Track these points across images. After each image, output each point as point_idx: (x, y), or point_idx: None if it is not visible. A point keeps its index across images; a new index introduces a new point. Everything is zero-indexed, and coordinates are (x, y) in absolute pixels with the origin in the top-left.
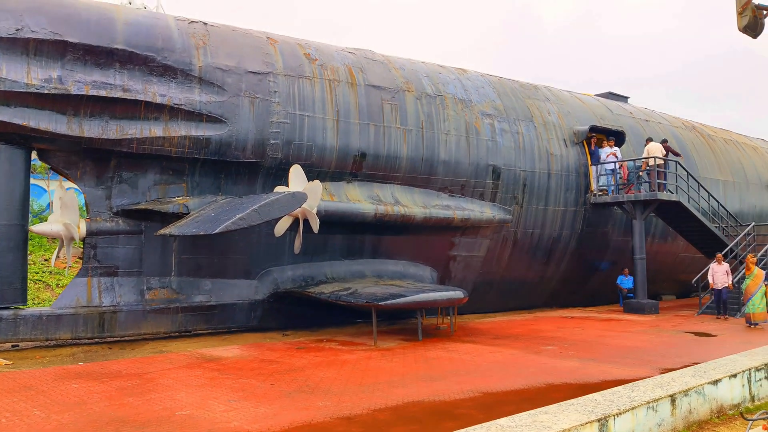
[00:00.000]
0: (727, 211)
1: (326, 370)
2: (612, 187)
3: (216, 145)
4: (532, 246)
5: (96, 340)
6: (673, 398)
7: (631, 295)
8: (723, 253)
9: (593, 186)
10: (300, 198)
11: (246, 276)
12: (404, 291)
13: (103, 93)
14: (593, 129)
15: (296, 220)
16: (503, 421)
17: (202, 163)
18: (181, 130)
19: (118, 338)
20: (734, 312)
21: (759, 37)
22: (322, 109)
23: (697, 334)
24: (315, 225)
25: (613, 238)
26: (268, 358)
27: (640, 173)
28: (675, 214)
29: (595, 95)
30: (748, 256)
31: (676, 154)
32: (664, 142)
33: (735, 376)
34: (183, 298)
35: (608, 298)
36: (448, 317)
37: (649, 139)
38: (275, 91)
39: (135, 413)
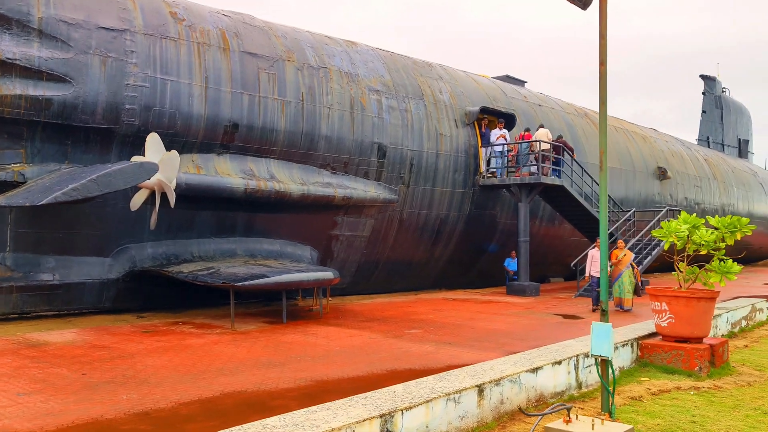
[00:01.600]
0: (609, 197)
1: (159, 357)
2: (501, 170)
3: (59, 107)
4: (419, 227)
5: None
6: (481, 388)
7: (516, 277)
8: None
9: (482, 168)
10: (149, 169)
11: (98, 253)
12: (268, 271)
13: None
14: (484, 110)
15: (153, 194)
16: (271, 420)
17: (43, 126)
18: (15, 88)
19: None
20: (611, 297)
21: (588, 9)
22: (188, 74)
23: (565, 316)
24: (171, 199)
25: (501, 220)
26: (103, 343)
27: (535, 157)
28: (560, 199)
29: (493, 77)
30: (619, 241)
31: (570, 149)
32: (559, 137)
33: (560, 363)
34: (19, 276)
35: (497, 280)
36: (323, 299)
37: (541, 126)
38: (132, 51)
39: None
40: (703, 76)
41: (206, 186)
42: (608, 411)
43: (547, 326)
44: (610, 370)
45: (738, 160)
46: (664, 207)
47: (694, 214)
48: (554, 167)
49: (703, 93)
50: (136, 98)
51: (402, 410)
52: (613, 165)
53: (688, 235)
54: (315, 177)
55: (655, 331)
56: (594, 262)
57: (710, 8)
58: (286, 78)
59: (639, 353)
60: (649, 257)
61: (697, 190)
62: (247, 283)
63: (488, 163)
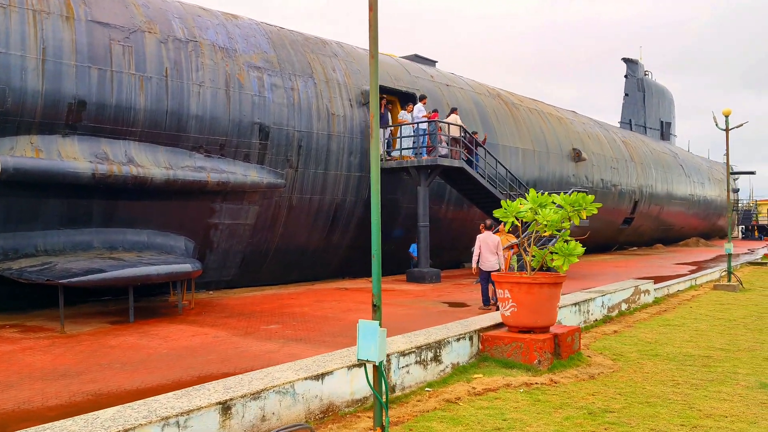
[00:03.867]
0: (515, 177)
1: None
2: (416, 150)
3: None
4: (311, 213)
5: None
6: (226, 405)
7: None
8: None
9: (381, 150)
10: None
11: None
12: (108, 265)
13: None
14: (381, 89)
15: None
16: None
17: None
18: None
19: None
20: None
21: None
22: (20, 45)
23: (452, 304)
24: None
25: (404, 204)
26: None
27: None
28: (463, 182)
29: (400, 57)
30: (501, 224)
31: (479, 144)
32: (474, 133)
33: (361, 365)
34: None
35: (404, 266)
36: (189, 293)
37: (454, 110)
38: None
39: None
40: (625, 59)
41: (42, 171)
42: (381, 425)
43: (425, 316)
44: (383, 378)
45: (659, 142)
46: (571, 189)
47: (547, 193)
48: (468, 156)
49: (626, 76)
50: None
51: None
52: (526, 147)
53: (535, 215)
54: (185, 160)
55: (501, 321)
56: (483, 253)
57: None
58: (145, 51)
59: (480, 346)
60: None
61: (613, 171)
62: (75, 279)
63: (388, 144)
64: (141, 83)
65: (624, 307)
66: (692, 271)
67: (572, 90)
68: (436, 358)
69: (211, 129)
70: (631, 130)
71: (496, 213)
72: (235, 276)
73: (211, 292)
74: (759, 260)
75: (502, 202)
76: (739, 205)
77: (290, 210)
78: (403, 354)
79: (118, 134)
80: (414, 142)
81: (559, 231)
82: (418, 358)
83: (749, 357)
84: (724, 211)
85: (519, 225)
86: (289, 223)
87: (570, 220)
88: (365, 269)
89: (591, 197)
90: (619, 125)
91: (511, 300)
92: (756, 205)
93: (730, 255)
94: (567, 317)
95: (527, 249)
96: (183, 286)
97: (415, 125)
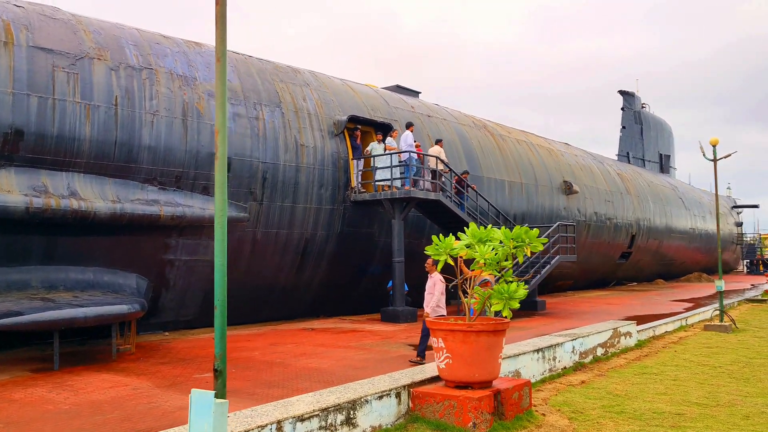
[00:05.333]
0: (499, 211)
1: None
2: (393, 183)
3: None
4: (278, 248)
5: None
6: None
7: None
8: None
9: (353, 182)
10: None
11: None
12: (28, 307)
13: None
14: (353, 119)
15: None
16: None
17: None
18: None
19: None
20: None
21: None
22: None
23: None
24: None
25: (380, 239)
26: None
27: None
28: (442, 215)
29: (382, 88)
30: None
31: (469, 186)
32: (464, 173)
33: None
34: None
35: (384, 304)
36: (134, 336)
37: (438, 141)
38: None
39: None
40: (621, 92)
41: None
42: None
43: (381, 362)
44: None
45: (658, 175)
46: (558, 222)
47: (525, 227)
48: (457, 196)
49: (622, 109)
50: None
51: None
52: (513, 179)
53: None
54: (136, 193)
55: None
56: (429, 293)
57: (653, 33)
58: (93, 79)
59: (411, 404)
60: (538, 277)
61: (608, 204)
62: None
63: (361, 176)
64: (87, 112)
65: (600, 352)
66: (688, 309)
67: (575, 124)
68: (349, 422)
69: (166, 160)
70: (629, 162)
71: (428, 250)
72: (195, 315)
73: (166, 334)
74: (758, 297)
75: (434, 238)
76: (743, 239)
77: (255, 245)
78: (301, 419)
79: (60, 165)
80: (400, 173)
81: (501, 270)
82: (323, 423)
83: (727, 415)
84: (728, 245)
85: (453, 264)
86: (254, 258)
87: (515, 258)
88: (340, 307)
89: (536, 231)
90: (616, 158)
91: (445, 350)
92: (760, 239)
93: (721, 293)
94: (528, 366)
95: (467, 290)
96: (128, 328)
97: (403, 155)
